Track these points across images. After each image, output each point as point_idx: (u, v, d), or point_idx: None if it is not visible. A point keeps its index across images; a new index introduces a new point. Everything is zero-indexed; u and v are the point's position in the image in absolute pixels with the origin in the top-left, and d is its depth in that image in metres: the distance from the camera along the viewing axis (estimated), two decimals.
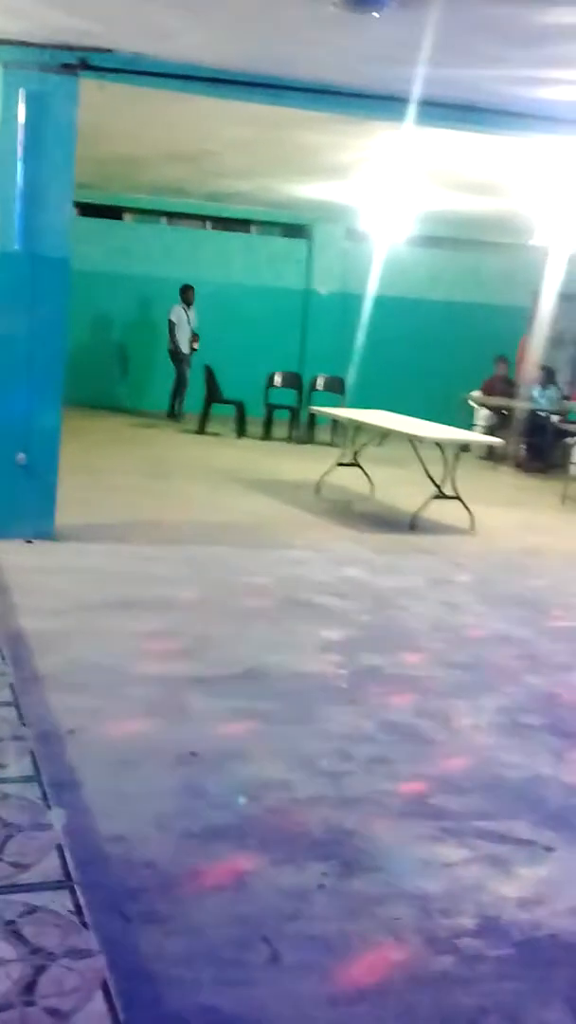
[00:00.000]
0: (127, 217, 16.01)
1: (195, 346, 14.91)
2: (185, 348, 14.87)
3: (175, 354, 14.90)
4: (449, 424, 10.49)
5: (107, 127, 9.18)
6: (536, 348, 14.51)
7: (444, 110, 7.36)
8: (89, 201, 14.69)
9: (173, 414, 14.85)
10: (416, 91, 6.85)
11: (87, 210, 14.84)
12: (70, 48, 6.70)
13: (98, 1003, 2.52)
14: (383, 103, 7.24)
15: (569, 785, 4.21)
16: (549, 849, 3.65)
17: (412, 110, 7.12)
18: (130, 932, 2.92)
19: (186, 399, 14.79)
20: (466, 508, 9.10)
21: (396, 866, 3.43)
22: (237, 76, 6.99)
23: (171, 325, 14.84)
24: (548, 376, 14.49)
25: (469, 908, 3.22)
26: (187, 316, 14.84)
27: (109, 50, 6.72)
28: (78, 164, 7.01)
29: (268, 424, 14.34)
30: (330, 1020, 2.66)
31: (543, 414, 13.86)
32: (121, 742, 4.18)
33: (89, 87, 6.90)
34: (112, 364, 15.65)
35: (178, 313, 14.82)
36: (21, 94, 6.75)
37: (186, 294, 14.86)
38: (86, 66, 6.78)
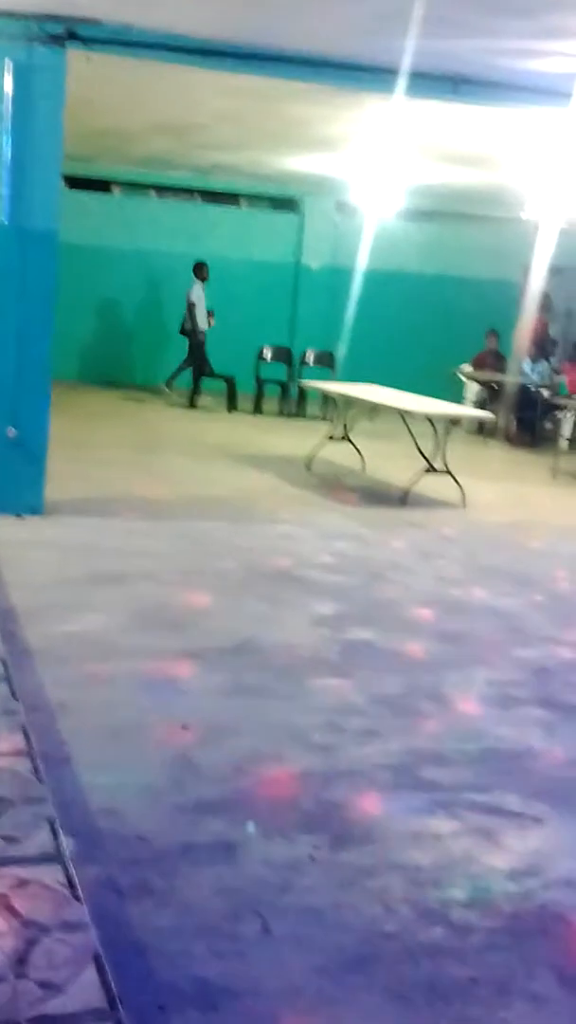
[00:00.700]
0: (116, 190, 15.91)
1: (211, 322, 14.71)
2: (204, 326, 14.69)
3: (193, 333, 14.69)
4: (440, 398, 10.47)
5: (95, 99, 9.10)
6: (527, 322, 14.49)
7: (434, 82, 7.31)
8: (77, 174, 14.58)
9: (168, 385, 14.66)
10: (406, 62, 6.80)
11: (75, 183, 14.73)
12: (57, 19, 6.63)
13: (90, 975, 2.53)
14: (373, 75, 7.19)
15: (559, 757, 4.23)
16: (539, 821, 3.67)
17: (402, 82, 7.07)
18: (122, 905, 2.93)
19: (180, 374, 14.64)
20: (456, 482, 9.10)
21: (386, 838, 3.45)
22: (225, 47, 6.94)
23: (191, 306, 14.59)
24: (539, 350, 14.47)
25: (459, 880, 3.24)
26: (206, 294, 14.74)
27: (96, 21, 6.66)
28: (66, 136, 6.96)
29: (258, 399, 14.31)
30: (321, 991, 2.68)
31: (533, 388, 13.85)
32: (112, 716, 4.18)
33: (76, 58, 6.84)
34: (102, 338, 15.58)
35: (198, 292, 14.65)
36: (8, 65, 6.70)
37: (200, 271, 14.70)
38: (73, 37, 6.72)
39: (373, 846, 3.39)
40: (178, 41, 6.85)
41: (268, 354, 15.00)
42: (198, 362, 14.57)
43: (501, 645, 5.54)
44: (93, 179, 15.30)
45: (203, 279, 14.60)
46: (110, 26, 6.70)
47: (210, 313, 14.63)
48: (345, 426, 10.46)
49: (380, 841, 3.43)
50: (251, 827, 3.40)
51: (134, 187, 15.89)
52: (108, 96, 9.18)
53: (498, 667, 5.19)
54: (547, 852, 3.48)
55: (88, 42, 6.77)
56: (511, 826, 3.62)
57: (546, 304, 15.34)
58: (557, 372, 14.44)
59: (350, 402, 10.40)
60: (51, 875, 2.94)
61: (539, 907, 3.14)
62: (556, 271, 15.16)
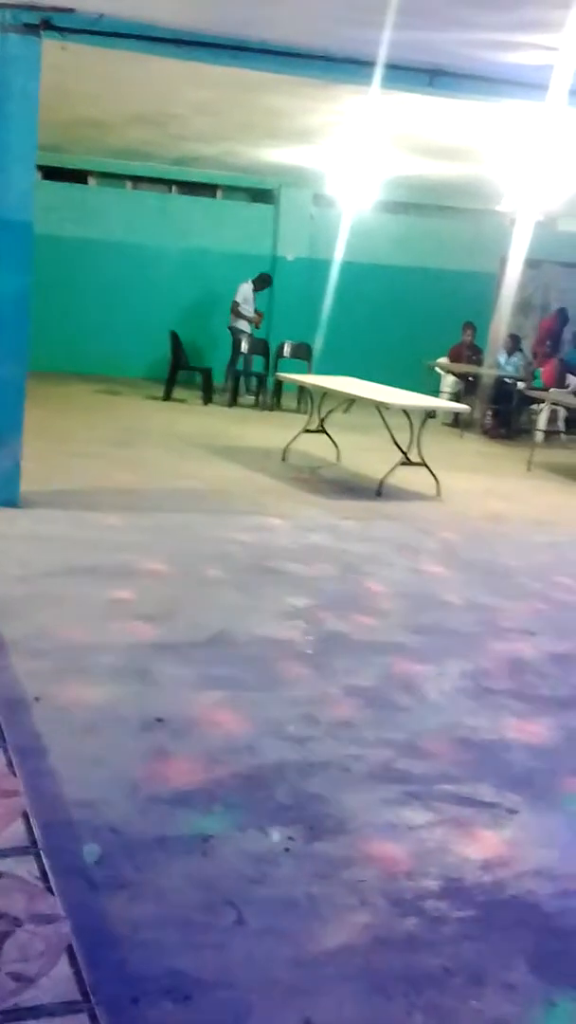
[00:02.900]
0: (92, 181, 15.84)
1: (258, 323, 14.75)
2: (243, 326, 14.66)
3: (233, 330, 14.73)
4: (415, 391, 10.48)
5: (70, 89, 9.06)
6: (503, 315, 14.54)
7: (411, 74, 7.31)
8: (53, 164, 14.52)
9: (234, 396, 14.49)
10: (383, 54, 6.80)
11: (51, 173, 14.68)
12: (32, 7, 6.59)
13: (63, 967, 2.52)
14: (350, 66, 7.18)
15: (533, 748, 4.24)
16: (513, 812, 3.69)
17: (379, 74, 7.06)
18: (96, 897, 2.93)
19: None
20: (432, 474, 9.12)
21: (361, 829, 3.46)
22: (201, 37, 6.91)
23: (234, 304, 14.58)
24: (514, 343, 14.52)
25: (434, 870, 3.25)
26: (254, 297, 14.69)
27: (71, 10, 6.62)
28: (41, 127, 6.92)
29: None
30: (295, 982, 2.68)
31: (509, 381, 13.89)
32: (87, 709, 4.17)
33: (51, 48, 6.81)
34: (77, 329, 15.51)
35: (244, 292, 14.62)
36: None
37: (261, 281, 14.78)
38: (48, 26, 6.67)
39: (348, 837, 3.40)
40: (154, 31, 6.83)
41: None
42: (231, 358, 14.62)
43: (476, 637, 5.55)
44: (69, 170, 15.24)
45: (256, 288, 14.61)
46: (85, 16, 6.67)
47: (259, 314, 14.56)
48: (321, 418, 10.46)
49: (355, 832, 3.43)
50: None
51: (110, 178, 15.83)
52: (83, 86, 9.14)
53: (473, 659, 5.20)
54: (520, 842, 3.49)
55: (63, 32, 6.73)
56: (485, 817, 3.63)
57: (562, 315, 15.44)
58: (530, 364, 14.49)
59: (326, 394, 10.40)
60: (24, 867, 2.93)
61: (512, 897, 3.16)
62: (533, 264, 15.23)
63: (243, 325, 14.62)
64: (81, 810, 3.37)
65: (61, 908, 2.76)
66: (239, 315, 14.58)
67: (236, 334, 14.66)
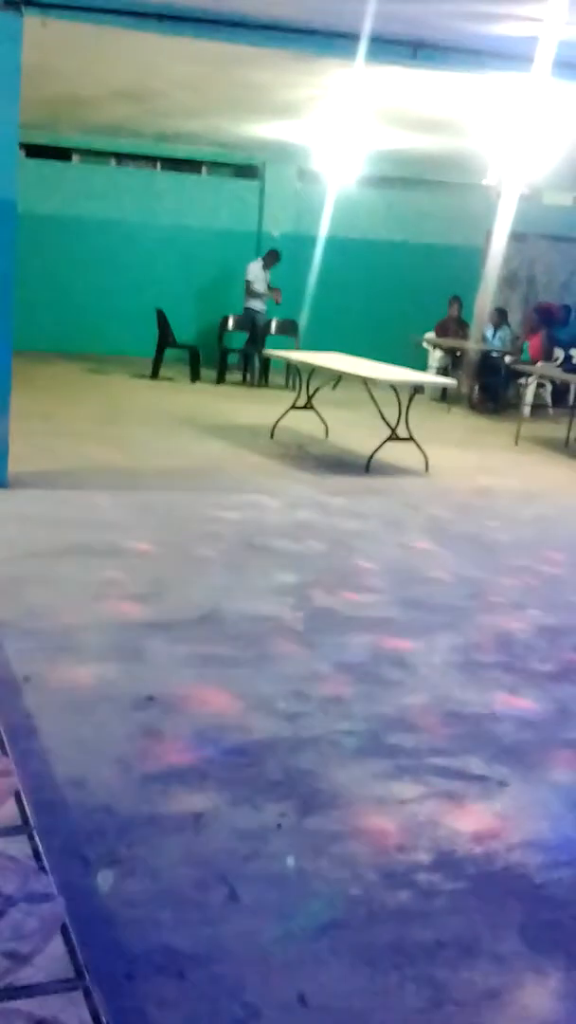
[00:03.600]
0: (75, 158, 15.74)
1: (277, 300, 14.51)
2: (255, 304, 14.57)
3: (247, 309, 14.65)
4: (403, 365, 10.47)
5: (52, 65, 8.98)
6: (489, 288, 14.51)
7: (395, 47, 7.27)
8: (35, 142, 14.41)
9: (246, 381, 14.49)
10: (366, 27, 6.76)
11: (33, 151, 14.57)
12: None
13: (57, 946, 2.53)
14: (333, 40, 7.14)
15: (522, 721, 4.26)
16: (503, 784, 3.71)
17: (363, 47, 7.03)
18: (89, 875, 2.94)
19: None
20: (420, 449, 9.13)
21: (352, 804, 3.47)
22: (183, 12, 6.87)
23: (246, 283, 14.50)
24: (501, 317, 14.50)
25: (425, 843, 3.27)
26: (265, 276, 14.52)
27: None
28: (23, 104, 6.87)
29: (222, 368, 14.26)
30: (288, 958, 2.70)
31: (496, 355, 13.88)
32: (78, 688, 4.18)
33: (32, 24, 6.75)
34: (63, 308, 15.44)
35: (254, 271, 14.51)
36: None
37: (269, 258, 14.56)
38: (29, 2, 6.62)
39: (339, 812, 3.42)
40: (135, 6, 6.78)
41: (232, 323, 14.94)
42: (249, 338, 14.57)
43: (465, 611, 5.57)
44: (52, 147, 15.13)
45: (265, 265, 14.49)
46: None
47: (275, 290, 14.48)
48: (309, 395, 10.45)
49: (346, 807, 3.45)
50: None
51: (94, 155, 15.73)
52: (65, 62, 9.06)
53: (462, 633, 5.22)
54: (511, 814, 3.51)
55: (44, 7, 6.68)
56: (475, 789, 3.65)
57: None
58: (519, 338, 14.47)
59: (314, 370, 10.38)
60: (17, 847, 2.94)
61: (503, 869, 3.18)
62: (518, 237, 15.19)
63: (256, 304, 14.56)
64: (73, 789, 3.38)
65: (54, 887, 2.77)
66: (252, 294, 14.53)
67: (250, 314, 14.64)
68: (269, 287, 14.45)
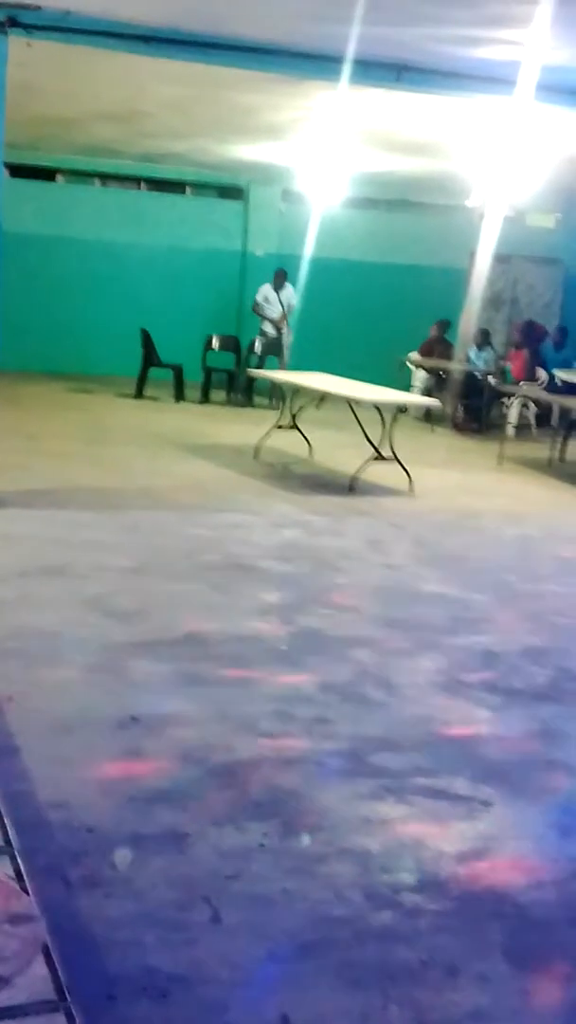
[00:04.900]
0: (60, 178, 15.78)
1: (281, 325, 14.65)
2: (268, 328, 14.65)
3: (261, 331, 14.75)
4: (387, 386, 10.50)
5: (37, 86, 9.02)
6: (473, 309, 14.57)
7: (379, 70, 7.33)
8: (20, 162, 14.43)
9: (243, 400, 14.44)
10: (351, 50, 6.81)
11: (18, 171, 14.58)
12: None
13: (39, 967, 2.51)
14: (318, 62, 7.20)
15: (506, 741, 4.26)
16: (487, 804, 3.70)
17: (347, 69, 7.08)
18: (71, 896, 2.92)
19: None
20: (404, 469, 9.14)
21: (336, 824, 3.46)
22: (169, 34, 6.91)
23: (255, 305, 14.63)
24: (485, 337, 14.56)
25: (409, 864, 3.26)
26: (277, 296, 14.59)
27: (38, 7, 6.60)
28: (8, 124, 6.90)
29: (206, 388, 14.27)
30: (271, 978, 2.68)
31: (479, 375, 13.93)
32: (61, 708, 4.16)
33: (17, 45, 6.78)
34: (47, 328, 15.43)
35: (263, 292, 14.63)
36: None
37: (276, 278, 14.67)
38: (14, 23, 6.66)
39: (323, 832, 3.41)
40: (121, 28, 6.82)
41: (216, 343, 14.96)
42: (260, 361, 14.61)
43: (449, 631, 5.57)
44: (37, 167, 15.17)
45: (276, 286, 14.56)
46: (52, 12, 6.65)
47: (283, 316, 14.53)
48: (293, 415, 10.46)
49: (330, 828, 3.44)
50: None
51: (78, 175, 15.77)
52: (50, 83, 9.11)
53: (446, 653, 5.22)
54: (495, 835, 3.51)
55: (29, 28, 6.72)
56: (459, 810, 3.65)
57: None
58: (503, 359, 14.53)
59: (298, 390, 10.40)
60: None
61: (487, 889, 3.17)
62: (502, 259, 15.27)
63: (265, 326, 14.64)
64: (56, 810, 3.36)
65: (36, 908, 2.76)
66: (260, 315, 14.59)
67: (258, 334, 14.72)
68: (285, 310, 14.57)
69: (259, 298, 14.64)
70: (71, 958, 2.61)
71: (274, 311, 14.58)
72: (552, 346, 14.94)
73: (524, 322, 15.24)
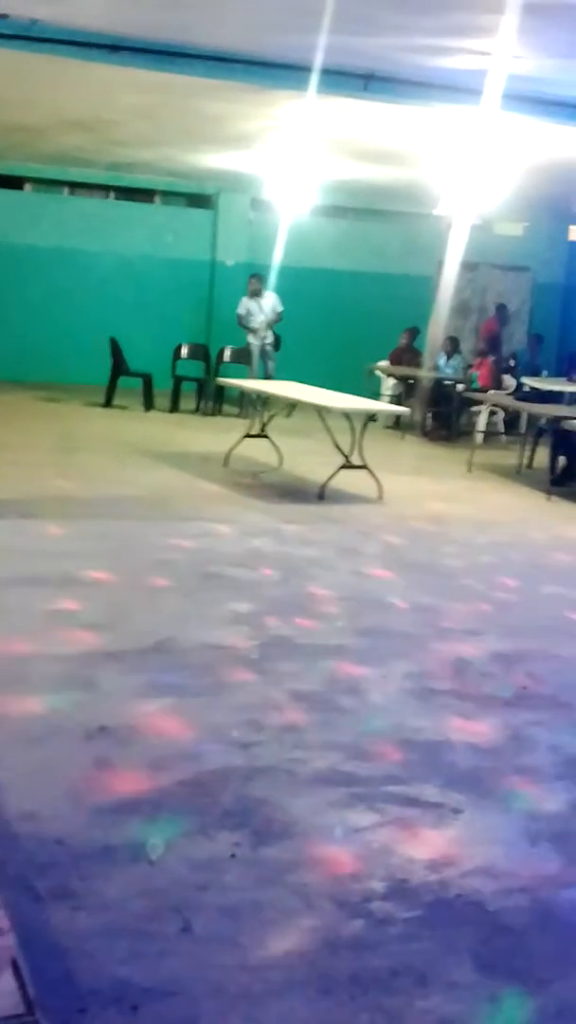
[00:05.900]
0: (27, 187, 15.74)
1: (263, 334, 14.59)
2: (253, 340, 14.61)
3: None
4: (356, 394, 10.52)
5: (3, 95, 9.00)
6: (441, 317, 14.64)
7: (346, 79, 7.36)
8: None
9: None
10: (318, 59, 6.83)
11: None
12: None
13: (7, 981, 2.50)
14: (284, 72, 7.22)
15: (476, 748, 4.27)
16: (457, 811, 3.70)
17: (314, 79, 7.10)
18: (40, 909, 2.90)
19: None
20: (374, 477, 9.16)
21: (307, 833, 3.46)
22: (135, 43, 6.91)
23: (239, 318, 14.57)
24: (453, 345, 14.62)
25: (379, 872, 3.26)
26: (258, 305, 14.54)
27: (4, 15, 6.58)
28: None
29: (176, 396, 14.25)
30: (243, 988, 2.68)
31: (448, 383, 13.98)
32: (30, 719, 4.14)
33: None
34: (15, 336, 15.38)
35: (244, 305, 14.56)
36: None
37: (249, 283, 14.61)
38: None
39: (293, 841, 3.40)
40: (87, 37, 6.81)
41: (185, 351, 14.95)
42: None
43: (419, 638, 5.58)
44: (4, 176, 15.14)
45: (250, 293, 14.53)
46: (17, 21, 6.63)
47: (269, 325, 14.51)
48: (263, 423, 10.47)
49: (300, 836, 3.43)
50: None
51: (46, 184, 15.73)
52: (17, 92, 9.08)
53: (416, 660, 5.23)
54: (465, 841, 3.51)
55: None
56: (430, 817, 3.65)
57: (502, 313, 15.69)
58: (471, 367, 14.60)
59: (267, 399, 10.40)
60: None
61: (457, 896, 3.17)
62: (470, 267, 15.35)
63: (250, 337, 14.63)
64: (24, 821, 3.34)
65: (5, 921, 2.74)
66: (245, 328, 14.61)
67: (249, 348, 14.72)
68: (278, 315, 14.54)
69: (240, 311, 14.59)
70: (40, 971, 2.59)
71: (256, 321, 14.56)
72: (527, 352, 15.08)
73: (481, 331, 15.41)
